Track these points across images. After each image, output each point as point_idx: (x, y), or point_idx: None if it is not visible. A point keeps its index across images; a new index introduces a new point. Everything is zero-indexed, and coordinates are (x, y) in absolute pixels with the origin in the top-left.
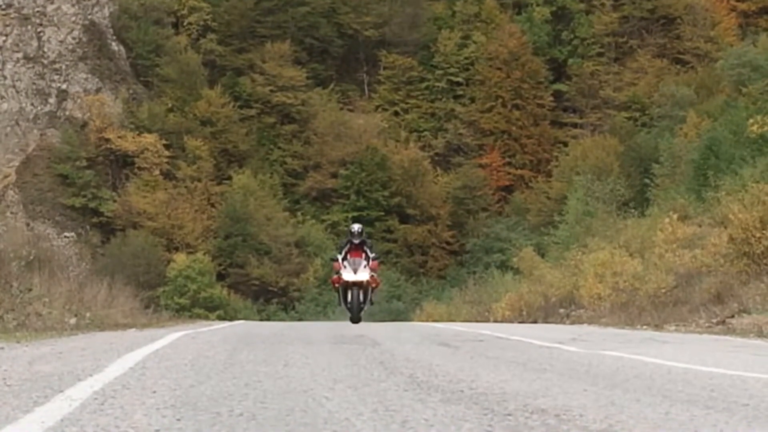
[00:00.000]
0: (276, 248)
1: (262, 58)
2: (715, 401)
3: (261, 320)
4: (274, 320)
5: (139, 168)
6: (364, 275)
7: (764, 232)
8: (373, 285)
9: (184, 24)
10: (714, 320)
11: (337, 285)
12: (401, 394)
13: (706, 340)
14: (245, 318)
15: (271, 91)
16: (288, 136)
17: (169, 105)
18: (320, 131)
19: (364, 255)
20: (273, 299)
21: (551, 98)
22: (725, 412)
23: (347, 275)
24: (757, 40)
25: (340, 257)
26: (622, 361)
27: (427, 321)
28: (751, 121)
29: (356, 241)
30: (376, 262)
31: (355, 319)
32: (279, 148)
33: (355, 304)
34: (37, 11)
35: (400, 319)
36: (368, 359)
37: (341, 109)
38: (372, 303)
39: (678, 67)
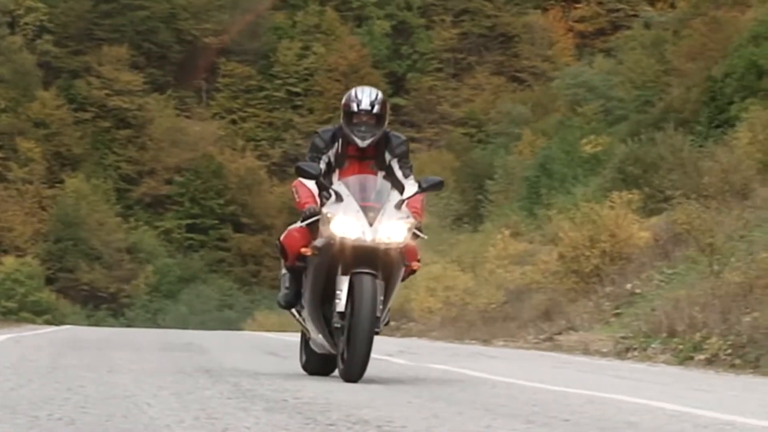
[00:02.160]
0: (107, 254)
1: (98, 61)
2: (537, 416)
3: (90, 326)
4: (103, 326)
5: None
6: (394, 231)
7: (593, 250)
8: (413, 264)
9: (20, 24)
10: (542, 336)
11: (297, 254)
12: (224, 402)
13: (533, 355)
14: (73, 323)
15: (107, 94)
16: (123, 141)
17: (2, 105)
18: (156, 137)
19: (381, 175)
20: (102, 305)
21: (390, 112)
22: (545, 427)
23: (342, 226)
24: (593, 61)
25: (312, 171)
26: (448, 375)
27: (258, 331)
28: (584, 140)
29: (364, 142)
30: (420, 198)
31: (354, 372)
32: (114, 152)
33: (366, 320)
34: None
35: (231, 328)
36: (195, 367)
37: (178, 115)
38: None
39: (515, 84)
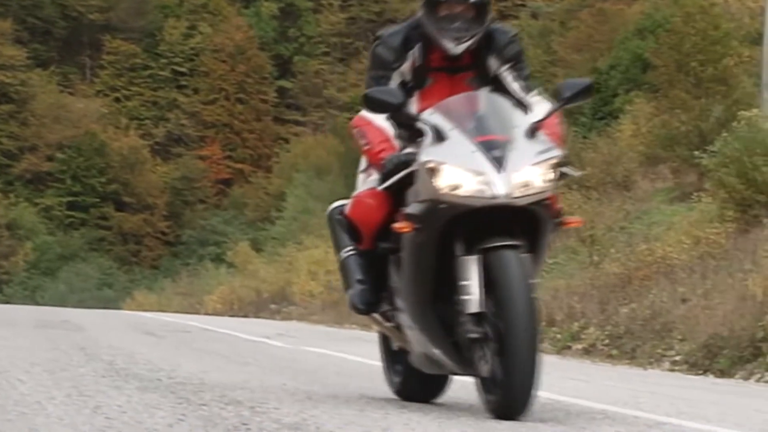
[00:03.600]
0: None
1: None
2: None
3: None
4: None
5: None
6: (535, 173)
7: None
8: (567, 219)
9: None
10: None
11: (376, 232)
12: (98, 380)
13: None
14: None
15: None
16: (4, 116)
17: None
18: (39, 113)
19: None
20: None
21: (275, 94)
22: (418, 412)
23: (455, 178)
24: None
25: (393, 99)
26: (325, 358)
27: (137, 310)
28: None
29: (459, 46)
30: (557, 118)
31: (516, 401)
32: None
33: (522, 320)
34: None
35: (109, 307)
36: (70, 344)
37: (61, 91)
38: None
39: None
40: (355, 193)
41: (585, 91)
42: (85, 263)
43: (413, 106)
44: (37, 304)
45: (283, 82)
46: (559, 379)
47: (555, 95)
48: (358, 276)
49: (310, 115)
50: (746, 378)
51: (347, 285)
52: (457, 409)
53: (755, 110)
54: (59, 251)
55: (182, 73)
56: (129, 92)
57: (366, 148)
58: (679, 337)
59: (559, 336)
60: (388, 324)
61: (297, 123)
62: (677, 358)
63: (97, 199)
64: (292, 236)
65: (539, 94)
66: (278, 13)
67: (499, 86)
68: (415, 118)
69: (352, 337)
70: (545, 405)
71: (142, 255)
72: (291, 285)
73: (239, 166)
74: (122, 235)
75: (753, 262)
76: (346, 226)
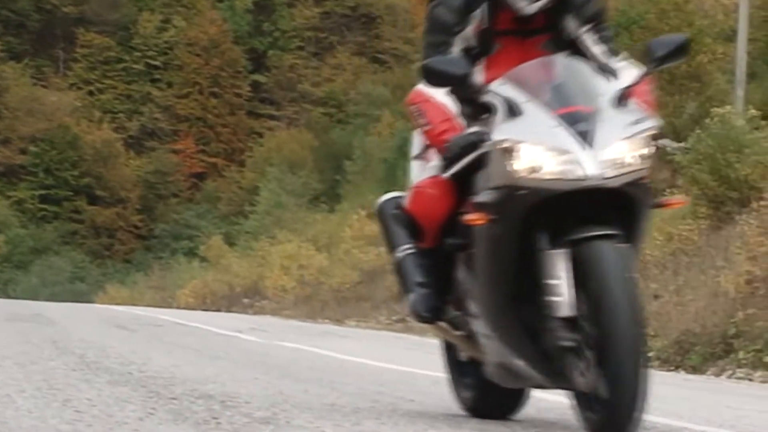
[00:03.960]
0: None
1: None
2: (382, 395)
3: None
4: None
5: None
6: (628, 148)
7: None
8: (668, 200)
9: None
10: (394, 318)
11: (441, 226)
12: (68, 373)
13: (384, 336)
14: None
15: None
16: None
17: None
18: (12, 106)
19: (565, 54)
20: None
21: (249, 88)
22: (390, 407)
23: (535, 158)
24: None
25: (457, 69)
26: (298, 353)
27: (109, 304)
28: None
29: (533, 4)
30: (647, 83)
31: (623, 418)
32: None
33: (625, 323)
34: None
35: (82, 300)
36: (41, 338)
37: (35, 84)
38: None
39: (376, 66)
40: (412, 182)
41: (680, 50)
42: (57, 257)
43: (479, 77)
44: (9, 297)
45: (257, 76)
46: None
47: (644, 57)
48: (419, 278)
49: (284, 109)
50: (718, 374)
51: (405, 289)
52: (427, 403)
53: (728, 107)
54: (32, 244)
55: (156, 67)
56: (102, 85)
57: (426, 129)
58: (651, 333)
59: None
60: (456, 333)
61: (271, 117)
62: (649, 354)
63: (70, 193)
64: (265, 230)
65: (625, 59)
66: (252, 7)
67: (577, 51)
68: (482, 91)
69: (324, 331)
70: None
71: (114, 249)
72: (264, 279)
73: (213, 160)
74: (95, 229)
75: (725, 259)
76: (405, 222)
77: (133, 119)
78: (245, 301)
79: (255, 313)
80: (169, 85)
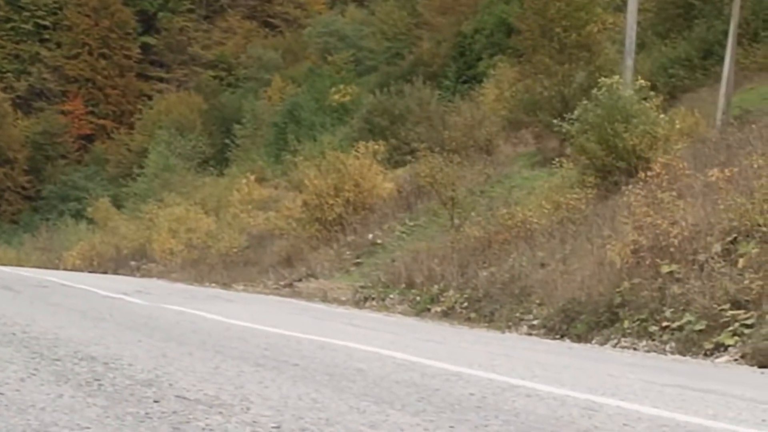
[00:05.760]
0: None
1: None
2: (267, 359)
3: None
4: None
5: None
6: None
7: (337, 199)
8: None
9: None
10: (282, 282)
11: None
12: None
13: (271, 301)
14: None
15: None
16: None
17: None
18: None
19: None
20: None
21: (139, 50)
22: (274, 371)
23: None
24: (345, 11)
25: None
26: (183, 316)
27: None
28: (333, 89)
29: None
30: None
31: None
32: None
33: None
34: None
35: None
36: None
37: None
38: None
39: (267, 30)
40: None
41: None
42: None
43: None
44: None
45: (147, 38)
46: (417, 341)
47: None
48: None
49: (174, 72)
50: (602, 343)
51: None
52: (311, 368)
53: (617, 77)
54: None
55: (45, 27)
56: None
57: None
58: (537, 301)
59: (418, 298)
60: None
61: (160, 80)
62: (535, 322)
63: None
64: (153, 193)
65: None
66: None
67: None
68: None
69: (211, 295)
70: (401, 365)
71: (1, 209)
72: (151, 242)
73: (101, 122)
74: None
75: (612, 228)
76: None
77: (21, 79)
78: (132, 263)
79: (142, 276)
80: (58, 45)
